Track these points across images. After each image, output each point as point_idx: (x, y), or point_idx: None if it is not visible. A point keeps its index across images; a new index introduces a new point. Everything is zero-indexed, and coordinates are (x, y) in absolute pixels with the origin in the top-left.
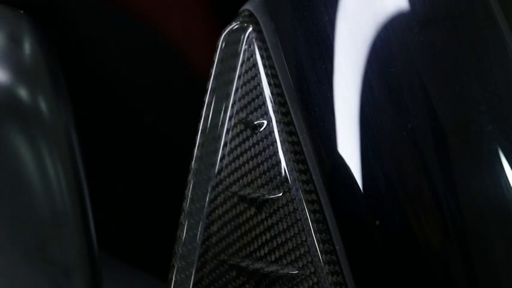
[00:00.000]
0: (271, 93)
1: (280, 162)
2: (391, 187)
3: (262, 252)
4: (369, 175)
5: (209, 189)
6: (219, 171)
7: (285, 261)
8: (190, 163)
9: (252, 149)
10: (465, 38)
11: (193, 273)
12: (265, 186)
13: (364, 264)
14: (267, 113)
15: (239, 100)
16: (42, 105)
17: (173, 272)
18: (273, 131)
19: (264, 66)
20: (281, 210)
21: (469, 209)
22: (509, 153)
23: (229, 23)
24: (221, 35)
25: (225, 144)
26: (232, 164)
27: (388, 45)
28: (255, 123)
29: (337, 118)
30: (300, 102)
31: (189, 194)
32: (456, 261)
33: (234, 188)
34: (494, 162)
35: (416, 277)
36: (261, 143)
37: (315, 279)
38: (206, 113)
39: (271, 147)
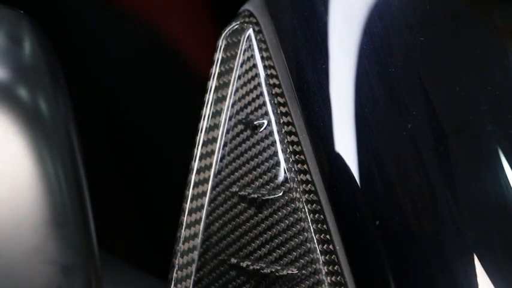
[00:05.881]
0: (271, 93)
1: (280, 162)
2: (391, 187)
3: (262, 252)
4: (369, 175)
5: (209, 189)
6: (219, 171)
7: (285, 262)
8: (190, 163)
9: (252, 149)
10: (465, 38)
11: (193, 273)
12: (265, 187)
13: (364, 265)
14: (267, 113)
15: (239, 100)
16: (42, 105)
17: (173, 272)
18: (273, 131)
19: (264, 66)
20: (281, 210)
21: (469, 209)
22: (509, 153)
23: (229, 23)
24: (221, 35)
25: (225, 144)
26: (232, 164)
27: (388, 45)
28: (255, 123)
29: (337, 118)
30: (300, 102)
31: (189, 194)
32: (456, 261)
33: (234, 188)
34: (494, 162)
35: (417, 277)
36: (261, 143)
37: (315, 279)
38: (206, 113)
39: (271, 147)
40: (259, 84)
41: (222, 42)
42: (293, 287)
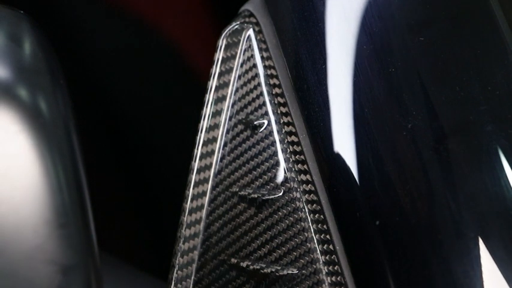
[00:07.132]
0: (271, 93)
1: (280, 162)
2: (391, 187)
3: (262, 252)
4: (369, 175)
5: (209, 189)
6: (219, 171)
7: (285, 262)
8: (190, 163)
9: (252, 149)
10: (465, 38)
11: (193, 273)
12: (265, 187)
13: (364, 265)
14: (267, 113)
15: (239, 100)
16: (42, 105)
17: (173, 272)
18: (273, 131)
19: (264, 66)
20: (281, 210)
21: (469, 209)
22: (509, 153)
23: (229, 23)
24: (221, 35)
25: (225, 144)
26: (233, 164)
27: (389, 45)
28: (255, 123)
29: (337, 118)
30: (300, 102)
31: (190, 194)
32: (456, 261)
33: (234, 188)
34: (494, 162)
35: (417, 277)
36: (261, 143)
37: (315, 279)
38: (206, 113)
39: (271, 147)
40: (259, 84)
41: (222, 42)
42: (293, 287)
